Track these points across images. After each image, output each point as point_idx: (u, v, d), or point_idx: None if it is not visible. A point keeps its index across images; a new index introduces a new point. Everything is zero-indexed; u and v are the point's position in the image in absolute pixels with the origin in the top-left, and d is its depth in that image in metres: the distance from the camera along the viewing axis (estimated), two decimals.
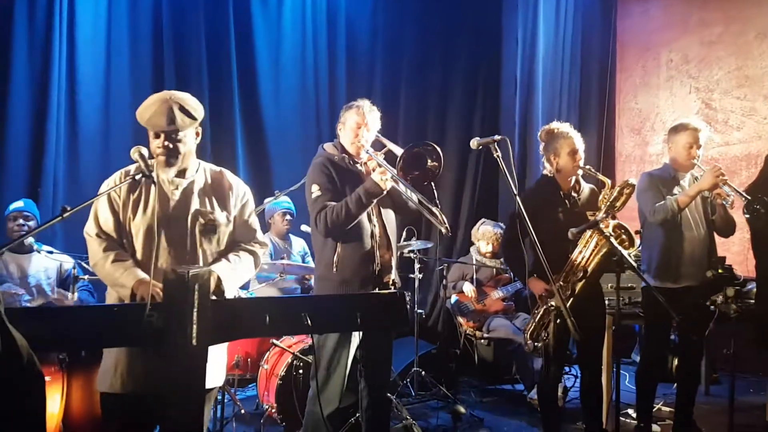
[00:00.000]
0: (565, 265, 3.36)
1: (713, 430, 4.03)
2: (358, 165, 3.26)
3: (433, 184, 3.03)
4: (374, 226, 3.18)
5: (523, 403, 4.86)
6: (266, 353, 4.31)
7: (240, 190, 2.78)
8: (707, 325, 3.90)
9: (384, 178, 2.98)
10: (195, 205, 2.64)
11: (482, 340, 5.31)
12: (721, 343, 4.23)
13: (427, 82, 6.82)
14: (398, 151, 3.11)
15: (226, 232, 2.71)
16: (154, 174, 2.44)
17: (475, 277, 5.50)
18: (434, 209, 2.96)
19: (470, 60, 6.90)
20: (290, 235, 5.36)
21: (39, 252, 4.02)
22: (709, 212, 3.88)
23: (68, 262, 4.09)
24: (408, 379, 5.01)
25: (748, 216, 3.64)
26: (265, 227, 5.34)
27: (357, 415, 3.51)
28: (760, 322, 3.89)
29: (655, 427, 4.15)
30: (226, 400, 4.10)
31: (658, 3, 6.76)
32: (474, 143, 3.05)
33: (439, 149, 3.04)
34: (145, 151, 2.42)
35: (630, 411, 4.44)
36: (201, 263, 2.59)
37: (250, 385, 5.02)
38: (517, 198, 2.94)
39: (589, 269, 3.31)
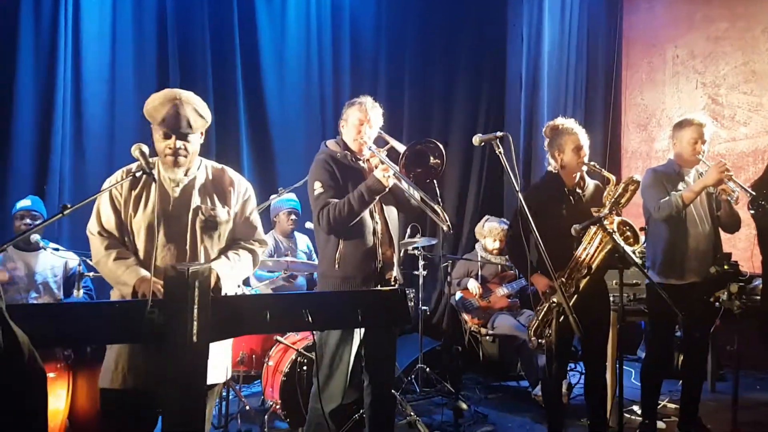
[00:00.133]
0: (569, 261, 3.35)
1: (719, 427, 4.02)
2: (360, 162, 3.25)
3: (435, 181, 3.02)
4: (376, 223, 3.18)
5: (528, 400, 4.85)
6: (271, 350, 4.32)
7: (241, 187, 2.79)
8: (712, 321, 3.88)
9: (386, 175, 2.98)
10: (196, 202, 2.65)
11: (487, 337, 5.31)
12: (726, 339, 4.21)
13: (432, 79, 6.80)
14: (401, 148, 3.10)
15: (227, 228, 2.72)
16: (154, 171, 2.45)
17: (479, 274, 5.49)
18: (436, 207, 2.96)
19: (475, 56, 6.87)
20: (295, 232, 5.37)
21: (45, 249, 4.04)
22: (714, 208, 3.86)
23: (74, 260, 4.10)
24: (412, 376, 5.01)
25: (753, 212, 3.62)
26: (270, 225, 5.36)
27: (361, 411, 3.52)
28: (766, 318, 3.87)
29: (660, 423, 4.14)
30: (230, 397, 4.12)
31: None
32: (476, 140, 3.04)
33: (441, 146, 3.04)
34: (145, 149, 2.43)
35: (635, 407, 4.43)
36: (202, 260, 2.60)
37: (255, 382, 5.04)
38: (519, 195, 2.93)
39: (594, 266, 3.30)
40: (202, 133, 2.68)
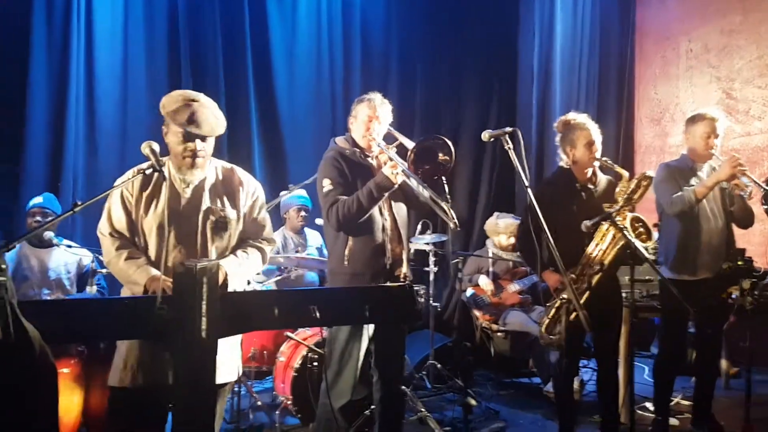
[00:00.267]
0: (581, 258, 3.33)
1: (732, 424, 3.98)
2: (369, 158, 3.25)
3: (444, 178, 3.01)
4: (385, 219, 3.18)
5: (540, 396, 4.83)
6: (282, 346, 4.34)
7: (250, 187, 2.81)
8: (725, 318, 3.85)
9: (395, 171, 2.98)
10: (206, 202, 2.67)
11: (498, 333, 5.29)
12: (740, 336, 4.17)
13: (443, 74, 6.78)
14: (410, 144, 3.09)
15: (237, 229, 2.74)
16: (164, 169, 2.47)
17: (491, 270, 5.47)
18: (443, 204, 2.95)
19: (486, 51, 6.85)
20: (305, 228, 5.38)
21: (59, 246, 4.07)
22: (728, 203, 3.82)
23: (87, 257, 4.13)
24: (424, 372, 5.01)
25: (766, 207, 3.58)
26: (280, 222, 5.38)
27: (371, 407, 3.53)
28: None
29: (673, 420, 4.11)
30: (242, 392, 4.14)
31: None
32: (485, 135, 3.02)
33: (450, 143, 3.03)
34: (155, 146, 2.45)
35: (648, 404, 4.40)
36: (215, 259, 2.62)
37: (266, 378, 5.06)
38: (529, 190, 2.91)
39: (606, 262, 3.28)
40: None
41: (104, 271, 4.05)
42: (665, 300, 3.93)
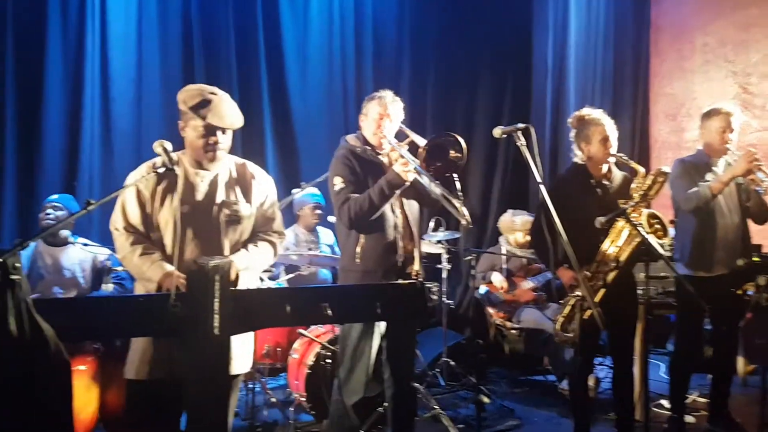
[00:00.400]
0: (596, 254, 3.31)
1: (749, 422, 3.94)
2: (380, 156, 3.25)
3: (456, 175, 3.00)
4: (397, 217, 3.18)
5: (555, 394, 4.81)
6: (296, 343, 4.36)
7: (263, 181, 2.83)
8: (742, 314, 3.81)
9: (406, 169, 2.97)
10: (221, 196, 2.68)
11: (513, 331, 5.27)
12: (756, 333, 4.13)
13: (456, 70, 6.76)
14: (421, 141, 3.09)
15: (250, 222, 2.76)
16: (177, 167, 2.48)
17: (505, 267, 5.45)
18: (455, 202, 2.94)
19: (500, 46, 6.81)
20: (318, 227, 5.39)
21: (74, 244, 4.10)
22: (743, 199, 3.79)
23: (102, 255, 4.15)
24: (437, 370, 5.01)
25: None
26: (292, 219, 5.39)
27: (385, 404, 3.53)
28: None
29: (689, 417, 4.08)
30: (257, 389, 4.17)
31: None
32: (497, 132, 3.00)
33: (461, 140, 3.01)
34: (168, 145, 2.46)
35: (664, 402, 4.37)
36: (226, 253, 2.64)
37: (281, 374, 5.08)
38: (541, 187, 2.90)
39: (622, 259, 3.26)
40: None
41: (120, 268, 4.08)
42: (681, 297, 3.89)
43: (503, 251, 5.49)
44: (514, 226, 5.51)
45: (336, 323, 3.13)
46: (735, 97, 6.07)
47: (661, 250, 3.02)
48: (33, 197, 4.83)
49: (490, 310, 5.38)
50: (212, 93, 2.62)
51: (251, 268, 2.68)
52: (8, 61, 4.91)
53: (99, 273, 4.16)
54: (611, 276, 3.25)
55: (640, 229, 3.02)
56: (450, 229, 5.43)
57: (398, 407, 3.27)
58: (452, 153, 3.01)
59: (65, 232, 4.05)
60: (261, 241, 2.76)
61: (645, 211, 3.24)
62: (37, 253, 4.05)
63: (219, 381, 2.25)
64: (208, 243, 2.62)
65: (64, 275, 4.04)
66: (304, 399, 4.07)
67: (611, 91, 6.81)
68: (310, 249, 5.03)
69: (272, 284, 4.57)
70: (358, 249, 3.12)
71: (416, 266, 3.23)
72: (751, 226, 3.85)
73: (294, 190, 4.73)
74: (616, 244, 3.26)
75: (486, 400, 4.22)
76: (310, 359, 4.06)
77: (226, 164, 2.76)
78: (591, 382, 3.78)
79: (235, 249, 2.68)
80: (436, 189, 3.05)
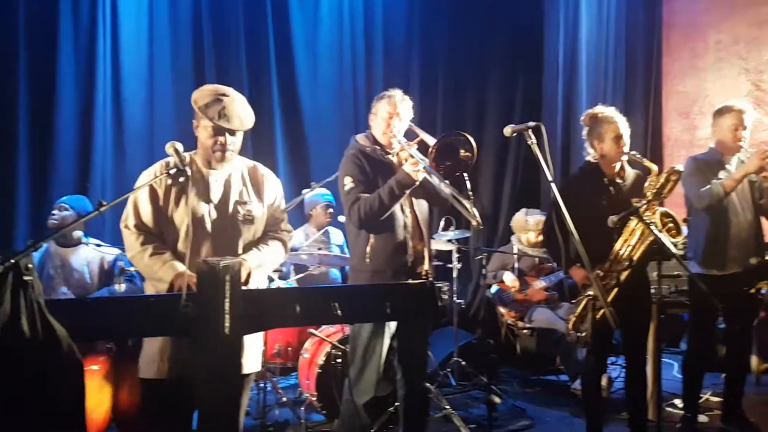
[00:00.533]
0: (609, 253, 3.29)
1: (763, 421, 3.91)
2: (390, 156, 3.24)
3: (466, 174, 2.99)
4: (407, 216, 3.17)
5: (567, 394, 4.79)
6: (306, 342, 4.36)
7: (273, 181, 2.86)
8: (755, 313, 3.78)
9: (416, 168, 2.96)
10: (235, 196, 2.71)
11: (524, 330, 5.25)
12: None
13: (466, 68, 6.74)
14: (431, 141, 3.07)
15: (262, 222, 2.78)
16: (188, 168, 2.49)
17: (516, 266, 5.44)
18: (465, 202, 2.92)
19: (510, 45, 6.78)
20: (328, 227, 5.39)
21: (87, 245, 4.13)
22: (756, 196, 3.76)
23: (110, 255, 4.17)
24: (448, 369, 5.00)
25: None
26: (303, 219, 5.41)
27: (396, 404, 3.53)
28: None
29: (702, 417, 4.05)
30: (268, 388, 4.18)
31: None
32: (508, 131, 2.99)
33: (472, 139, 3.00)
34: (179, 146, 2.48)
35: (677, 401, 4.34)
36: (241, 253, 2.65)
37: (291, 374, 5.10)
38: (553, 186, 2.88)
39: (635, 258, 3.23)
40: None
41: (132, 268, 4.09)
42: (694, 295, 3.87)
43: (515, 250, 5.47)
44: (527, 226, 5.49)
45: (346, 323, 3.13)
46: (748, 94, 6.02)
47: (673, 249, 3.00)
48: (46, 198, 4.86)
49: (502, 310, 5.36)
50: (224, 94, 2.63)
51: (263, 267, 2.70)
52: (21, 62, 4.95)
53: (107, 273, 4.18)
54: (624, 275, 3.23)
55: (653, 227, 3.00)
56: (460, 228, 5.42)
57: (410, 407, 3.26)
58: (462, 152, 2.99)
59: (78, 233, 4.07)
60: (272, 240, 2.78)
61: (658, 210, 3.22)
62: (47, 253, 4.07)
63: (230, 380, 2.26)
64: (223, 243, 2.64)
65: (72, 276, 4.05)
66: (314, 398, 4.08)
67: (623, 89, 6.77)
68: (320, 249, 5.03)
69: (282, 284, 4.58)
70: (368, 249, 3.11)
71: (426, 266, 3.22)
72: (765, 224, 3.83)
73: (304, 191, 4.74)
74: (629, 243, 3.24)
75: (497, 400, 4.22)
76: (321, 359, 4.07)
77: (237, 165, 2.78)
78: (603, 381, 3.75)
79: (247, 249, 2.70)
80: (445, 189, 3.04)
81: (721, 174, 3.72)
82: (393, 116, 3.18)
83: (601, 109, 3.52)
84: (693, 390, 3.90)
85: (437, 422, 4.11)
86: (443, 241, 5.11)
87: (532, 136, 2.90)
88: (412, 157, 3.01)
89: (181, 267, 2.53)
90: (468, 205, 2.90)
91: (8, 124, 4.92)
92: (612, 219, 3.04)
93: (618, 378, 4.69)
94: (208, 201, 2.66)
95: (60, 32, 5.07)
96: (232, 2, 5.81)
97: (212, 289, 2.09)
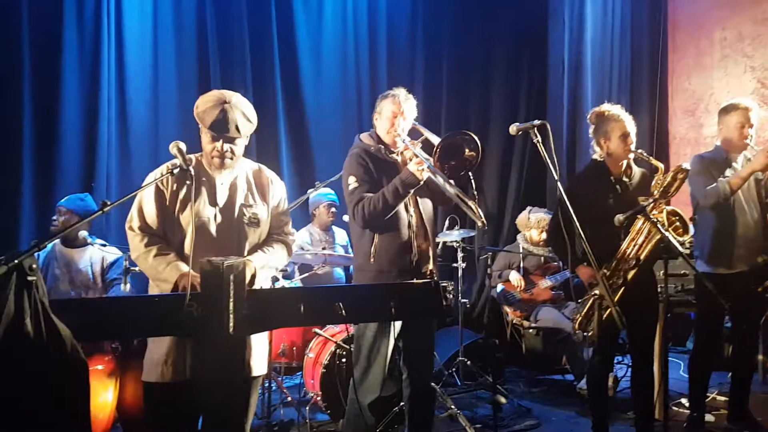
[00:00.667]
0: (616, 252, 3.27)
1: None
2: (394, 155, 3.23)
3: (471, 174, 2.97)
4: (411, 216, 3.15)
5: (573, 394, 4.77)
6: (311, 342, 4.36)
7: (277, 184, 2.86)
8: (762, 312, 3.76)
9: (420, 168, 2.95)
10: (240, 199, 2.71)
11: (530, 330, 5.24)
12: None
13: (471, 67, 6.72)
14: (435, 140, 3.06)
15: (267, 224, 2.78)
16: (192, 168, 2.49)
17: (522, 265, 5.42)
18: (470, 203, 2.91)
19: (515, 42, 6.76)
20: (333, 226, 5.39)
21: (93, 245, 4.13)
22: (763, 194, 3.75)
23: (112, 255, 4.17)
24: (453, 369, 4.99)
25: None
26: (308, 218, 5.40)
27: (401, 404, 3.52)
28: None
29: (709, 416, 4.03)
30: (273, 388, 4.17)
31: None
32: (513, 129, 2.99)
33: (477, 139, 2.98)
34: (182, 146, 2.47)
35: (684, 400, 4.32)
36: (246, 255, 2.65)
37: (296, 373, 5.09)
38: (558, 184, 2.87)
39: (642, 257, 3.22)
40: (247, 136, 2.73)
41: (137, 269, 4.08)
42: (700, 294, 3.85)
43: (520, 249, 5.46)
44: (529, 224, 5.50)
45: (350, 323, 3.12)
46: (754, 92, 6.01)
47: (680, 248, 2.98)
48: (50, 199, 4.85)
49: (507, 309, 5.35)
50: (226, 101, 2.61)
51: (267, 268, 2.70)
52: (25, 64, 4.95)
53: (105, 272, 4.17)
54: (631, 274, 3.22)
55: (659, 226, 2.98)
56: (465, 227, 5.40)
57: (416, 407, 3.25)
58: (467, 152, 2.97)
59: (83, 233, 4.08)
60: (276, 243, 2.78)
61: (666, 208, 3.20)
62: (53, 254, 4.08)
63: (234, 381, 2.26)
64: (229, 246, 2.63)
65: (77, 276, 4.07)
66: (319, 398, 4.08)
67: (628, 86, 6.76)
68: (324, 249, 5.03)
69: (287, 283, 4.58)
70: (373, 248, 3.10)
71: (431, 265, 3.21)
72: None
73: (309, 190, 4.74)
74: (635, 242, 3.22)
75: (503, 400, 4.20)
76: (326, 358, 4.07)
77: (243, 169, 2.79)
78: (610, 381, 3.74)
79: (252, 251, 2.70)
80: (450, 189, 3.02)
81: (728, 172, 3.71)
82: (397, 115, 3.17)
83: (607, 107, 3.50)
84: (699, 389, 3.88)
85: (442, 422, 4.10)
86: (448, 239, 5.09)
87: (538, 135, 2.89)
88: (417, 156, 2.99)
89: (185, 267, 2.52)
90: (473, 206, 2.88)
91: (13, 125, 4.92)
92: (618, 218, 3.02)
93: (624, 377, 4.68)
94: (214, 204, 2.66)
95: (64, 33, 5.07)
96: (237, 2, 5.81)
97: (216, 289, 2.09)
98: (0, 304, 1.69)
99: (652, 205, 3.16)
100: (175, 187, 2.64)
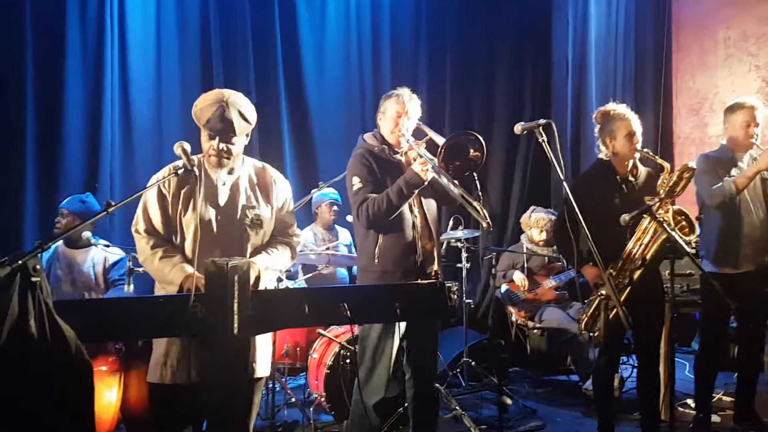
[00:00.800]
0: (621, 252, 3.25)
1: None
2: (398, 155, 3.21)
3: (475, 174, 2.96)
4: (415, 216, 3.14)
5: (578, 394, 4.76)
6: (315, 342, 4.35)
7: (282, 184, 2.84)
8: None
9: (425, 168, 2.93)
10: (242, 200, 2.70)
11: (535, 330, 5.22)
12: None
13: (474, 66, 6.68)
14: (440, 140, 3.04)
15: (271, 225, 2.76)
16: (196, 169, 2.48)
17: (525, 265, 5.40)
18: (475, 204, 2.89)
19: (519, 41, 6.73)
20: (336, 225, 5.39)
21: (96, 246, 4.13)
22: None
23: (114, 255, 4.17)
24: (458, 370, 4.97)
25: None
26: (311, 218, 5.40)
27: (405, 405, 3.51)
28: None
29: (714, 417, 4.01)
30: (276, 389, 4.17)
31: None
32: (518, 128, 2.97)
33: (481, 139, 2.97)
34: (187, 146, 2.47)
35: (689, 401, 4.30)
36: (249, 256, 2.64)
37: (300, 374, 5.09)
38: (564, 184, 2.85)
39: (648, 257, 3.20)
40: (246, 135, 2.71)
41: (141, 269, 4.08)
42: (706, 294, 3.84)
43: (524, 249, 5.45)
44: (530, 223, 5.50)
45: (355, 324, 3.10)
46: (758, 91, 5.98)
47: (686, 248, 2.97)
48: (54, 199, 4.84)
49: (511, 310, 5.33)
50: (223, 100, 2.60)
51: (271, 270, 2.68)
52: (28, 64, 4.96)
53: (107, 273, 4.17)
54: (637, 274, 3.20)
55: (666, 225, 2.96)
56: (469, 227, 5.39)
57: (420, 408, 3.24)
58: (472, 152, 2.96)
59: (87, 234, 4.07)
60: (280, 245, 2.76)
61: (672, 208, 3.18)
62: (55, 254, 4.08)
63: (238, 381, 2.25)
64: (231, 247, 2.63)
65: (79, 277, 4.06)
66: (323, 399, 4.07)
67: (632, 86, 6.74)
68: (328, 248, 5.02)
69: (290, 283, 4.57)
70: (377, 249, 3.08)
71: (435, 266, 3.19)
72: None
73: (313, 191, 4.73)
74: (641, 241, 3.21)
75: (509, 401, 4.18)
76: (330, 359, 4.05)
77: (246, 168, 2.77)
78: (615, 381, 3.72)
79: (256, 252, 2.69)
80: (455, 189, 3.00)
81: (734, 171, 3.70)
82: (401, 115, 3.15)
83: (613, 107, 3.49)
84: (705, 390, 3.87)
85: (447, 423, 4.09)
86: (452, 240, 5.07)
87: (543, 134, 2.87)
88: (421, 156, 2.98)
89: (190, 269, 2.52)
90: (478, 207, 2.87)
91: (16, 125, 4.92)
92: (624, 217, 3.01)
93: (630, 378, 4.66)
94: (215, 205, 2.65)
95: (67, 33, 5.07)
96: (239, 1, 5.80)
97: (221, 290, 2.08)
98: (4, 305, 1.68)
99: (658, 204, 3.15)
100: (176, 190, 2.64)
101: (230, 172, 2.70)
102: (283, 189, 2.83)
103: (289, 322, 2.51)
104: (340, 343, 4.08)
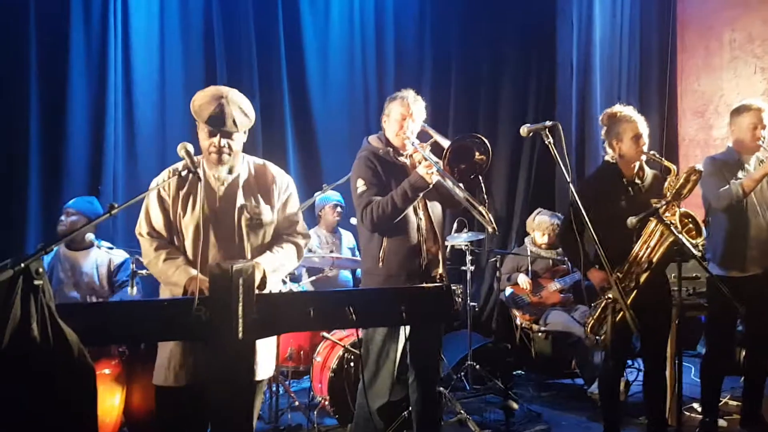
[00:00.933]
0: (628, 255, 3.23)
1: None
2: (403, 158, 3.19)
3: (481, 177, 2.94)
4: (420, 219, 3.12)
5: (583, 398, 4.73)
6: (319, 346, 4.33)
7: (283, 182, 2.80)
8: None
9: (429, 171, 2.91)
10: (240, 200, 2.67)
11: (539, 334, 5.20)
12: None
13: (479, 68, 6.67)
14: (445, 142, 3.02)
15: (271, 225, 2.74)
16: (199, 170, 2.47)
17: (530, 268, 5.38)
18: (480, 208, 2.87)
19: (523, 43, 6.71)
20: (339, 228, 5.38)
21: (99, 248, 4.12)
22: None
23: (119, 257, 4.16)
24: (462, 373, 4.95)
25: None
26: (315, 220, 5.38)
27: (410, 409, 3.48)
28: None
29: (721, 421, 3.98)
30: (280, 392, 4.15)
31: None
32: (524, 130, 2.95)
33: (487, 142, 2.95)
34: (190, 148, 2.45)
35: (696, 405, 4.27)
36: (249, 257, 2.62)
37: (304, 377, 5.07)
38: (571, 186, 2.83)
39: (654, 260, 3.18)
40: (245, 132, 2.69)
41: (144, 272, 4.07)
42: (713, 297, 3.81)
43: (529, 252, 5.42)
44: (533, 225, 5.48)
45: (360, 327, 3.09)
46: (764, 93, 5.97)
47: (694, 251, 2.94)
48: (57, 201, 4.83)
49: (516, 313, 5.31)
50: (222, 96, 2.58)
51: (278, 271, 2.66)
52: (32, 66, 4.95)
53: (113, 275, 4.16)
54: (643, 277, 3.18)
55: (672, 229, 2.94)
56: (473, 230, 5.37)
57: (423, 411, 3.22)
58: (477, 155, 2.95)
59: (90, 236, 4.06)
60: (286, 243, 2.74)
61: (678, 210, 3.16)
62: (57, 257, 4.06)
63: (243, 385, 2.23)
64: (230, 247, 2.62)
65: (82, 279, 4.04)
66: (327, 402, 4.05)
67: (637, 88, 6.72)
68: (332, 251, 5.01)
69: (294, 286, 4.55)
70: (381, 252, 3.06)
71: (440, 269, 3.17)
72: None
73: (317, 193, 4.72)
74: (648, 244, 3.19)
75: (515, 405, 4.15)
76: (334, 363, 4.04)
77: (245, 167, 2.74)
78: (621, 385, 3.70)
79: (259, 252, 2.66)
80: (460, 193, 2.98)
81: (740, 174, 3.68)
82: (406, 117, 3.13)
83: (619, 109, 3.47)
84: (712, 394, 3.84)
85: (452, 427, 4.06)
86: (456, 242, 5.05)
87: (550, 136, 2.85)
88: (426, 159, 2.96)
89: (194, 271, 2.52)
90: (483, 211, 2.85)
91: (20, 127, 4.91)
92: (631, 220, 2.99)
93: (635, 381, 4.63)
94: (213, 207, 2.64)
95: (71, 34, 5.05)
96: (243, 4, 5.79)
97: (225, 293, 2.06)
98: (6, 308, 1.67)
99: (664, 207, 3.13)
100: (175, 192, 2.63)
101: (230, 170, 2.68)
102: (285, 186, 2.79)
103: (293, 326, 2.49)
104: (344, 346, 4.07)
